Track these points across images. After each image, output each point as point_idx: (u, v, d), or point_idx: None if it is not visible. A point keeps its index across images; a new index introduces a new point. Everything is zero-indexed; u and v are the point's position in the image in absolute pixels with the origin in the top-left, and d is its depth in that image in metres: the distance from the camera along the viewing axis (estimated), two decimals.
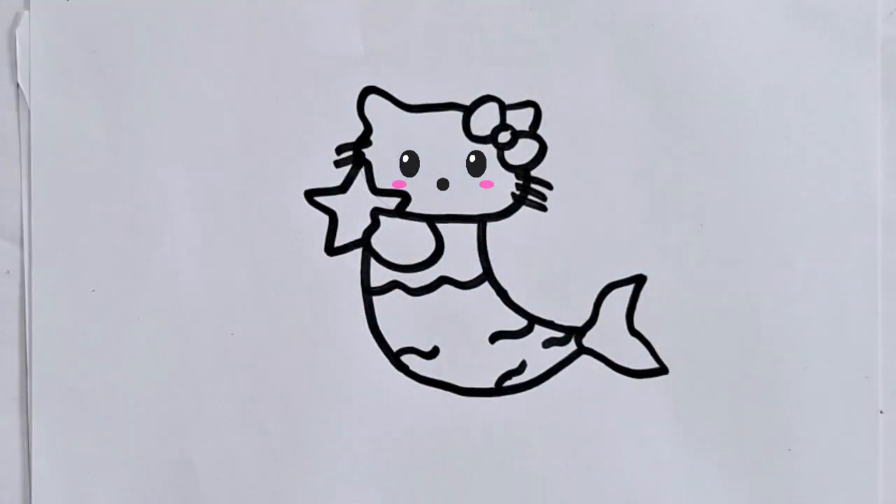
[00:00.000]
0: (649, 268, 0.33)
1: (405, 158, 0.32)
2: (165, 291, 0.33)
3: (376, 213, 0.33)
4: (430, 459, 0.33)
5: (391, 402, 0.33)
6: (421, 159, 0.32)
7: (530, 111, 0.32)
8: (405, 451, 0.33)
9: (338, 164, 0.32)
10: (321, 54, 0.32)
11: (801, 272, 0.32)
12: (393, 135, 0.32)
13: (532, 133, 0.32)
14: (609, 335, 0.33)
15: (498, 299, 0.33)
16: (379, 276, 0.33)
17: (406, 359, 0.33)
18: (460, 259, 0.33)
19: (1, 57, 0.32)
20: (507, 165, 0.32)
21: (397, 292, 0.33)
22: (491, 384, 0.33)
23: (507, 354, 0.33)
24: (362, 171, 0.32)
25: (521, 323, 0.33)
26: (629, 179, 0.32)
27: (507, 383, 0.33)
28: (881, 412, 0.32)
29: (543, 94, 0.32)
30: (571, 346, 0.33)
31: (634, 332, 0.32)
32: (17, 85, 0.32)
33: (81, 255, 0.32)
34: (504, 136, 0.32)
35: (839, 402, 0.32)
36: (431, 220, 0.33)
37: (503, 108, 0.32)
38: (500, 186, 0.33)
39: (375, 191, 0.32)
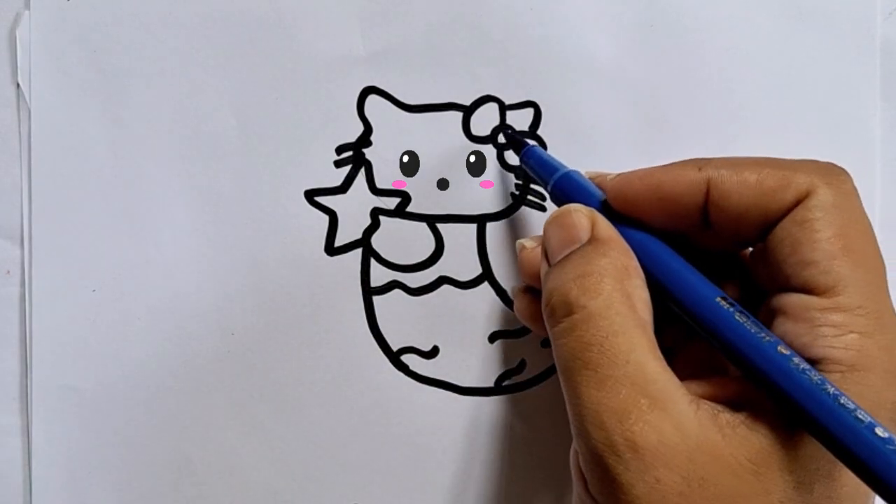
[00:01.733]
0: None
1: (405, 158, 0.32)
2: (165, 291, 0.33)
3: (376, 213, 0.33)
4: (430, 459, 0.33)
5: (391, 402, 0.33)
6: (421, 159, 0.32)
7: (530, 111, 0.32)
8: (405, 451, 0.33)
9: (338, 164, 0.32)
10: (321, 54, 0.32)
11: None
12: (393, 135, 0.32)
13: (532, 133, 0.32)
14: None
15: (497, 299, 0.33)
16: (379, 276, 0.33)
17: (406, 358, 0.33)
18: (460, 259, 0.33)
19: (1, 57, 0.32)
20: (506, 166, 0.33)
21: (397, 292, 0.33)
22: (490, 383, 0.33)
23: (507, 354, 0.33)
24: (362, 171, 0.32)
25: (521, 323, 0.33)
26: None
27: (507, 383, 0.33)
28: None
29: (543, 95, 0.32)
30: None
31: None
32: (17, 85, 0.32)
33: (81, 255, 0.32)
34: (503, 137, 0.32)
35: None
36: (431, 220, 0.33)
37: (503, 108, 0.32)
38: (499, 186, 0.33)
39: (375, 191, 0.32)
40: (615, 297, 0.23)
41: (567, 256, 0.25)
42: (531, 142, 0.32)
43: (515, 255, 0.32)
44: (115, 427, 0.33)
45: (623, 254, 0.24)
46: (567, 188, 0.28)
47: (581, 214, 0.25)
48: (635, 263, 0.24)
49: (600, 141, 0.32)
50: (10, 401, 0.33)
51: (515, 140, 0.31)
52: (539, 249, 0.27)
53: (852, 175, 0.32)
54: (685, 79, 0.32)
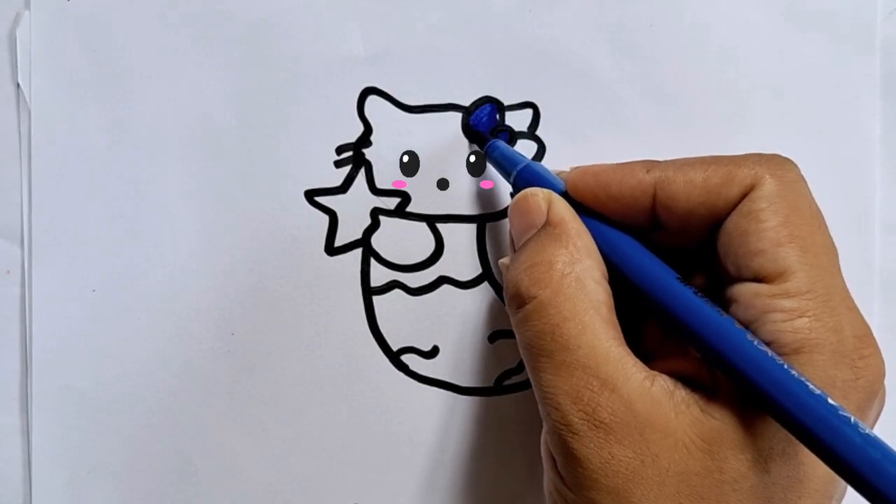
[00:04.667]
0: None
1: (405, 158, 0.32)
2: (165, 291, 0.33)
3: (376, 213, 0.33)
4: (430, 459, 0.33)
5: (391, 402, 0.33)
6: (421, 159, 0.32)
7: (529, 112, 0.32)
8: (405, 451, 0.33)
9: (338, 164, 0.32)
10: (321, 55, 0.32)
11: None
12: (393, 135, 0.32)
13: (531, 134, 0.32)
14: None
15: (497, 299, 0.33)
16: (379, 276, 0.33)
17: (406, 358, 0.33)
18: (460, 259, 0.33)
19: (1, 57, 0.32)
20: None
21: (397, 292, 0.33)
22: (490, 383, 0.33)
23: (507, 354, 0.33)
24: (362, 171, 0.32)
25: None
26: None
27: (507, 382, 0.33)
28: None
29: (542, 96, 0.32)
30: None
31: None
32: (18, 85, 0.32)
33: (81, 255, 0.32)
34: (503, 137, 0.32)
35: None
36: (431, 220, 0.33)
37: (502, 108, 0.32)
38: (499, 187, 0.33)
39: (375, 191, 0.32)
40: (564, 283, 0.24)
41: (523, 244, 0.26)
42: (531, 141, 0.32)
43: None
44: (115, 427, 0.33)
45: (575, 235, 0.25)
46: (529, 179, 0.28)
47: (537, 198, 0.26)
48: (587, 243, 0.25)
49: (599, 142, 0.32)
50: (10, 401, 0.33)
51: (480, 136, 0.32)
52: None
53: (852, 174, 0.33)
54: (684, 79, 0.32)
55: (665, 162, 0.25)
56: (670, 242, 0.26)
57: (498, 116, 0.32)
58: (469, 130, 0.32)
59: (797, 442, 0.21)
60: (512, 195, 0.32)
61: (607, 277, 0.25)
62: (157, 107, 0.32)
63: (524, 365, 0.33)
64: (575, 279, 0.24)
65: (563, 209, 0.26)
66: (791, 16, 0.32)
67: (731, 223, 0.24)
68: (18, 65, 0.32)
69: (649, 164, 0.25)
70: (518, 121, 0.32)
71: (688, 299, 0.23)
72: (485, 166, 0.32)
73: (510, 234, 0.27)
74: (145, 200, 0.32)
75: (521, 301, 0.24)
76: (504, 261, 0.29)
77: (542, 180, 0.27)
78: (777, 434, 0.22)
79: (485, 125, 0.32)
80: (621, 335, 0.24)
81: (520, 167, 0.29)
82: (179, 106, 0.32)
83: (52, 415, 0.33)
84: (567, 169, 0.28)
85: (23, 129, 0.32)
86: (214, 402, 0.33)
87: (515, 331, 0.25)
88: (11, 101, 0.32)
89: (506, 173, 0.30)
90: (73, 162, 0.32)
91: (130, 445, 0.33)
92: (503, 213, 0.33)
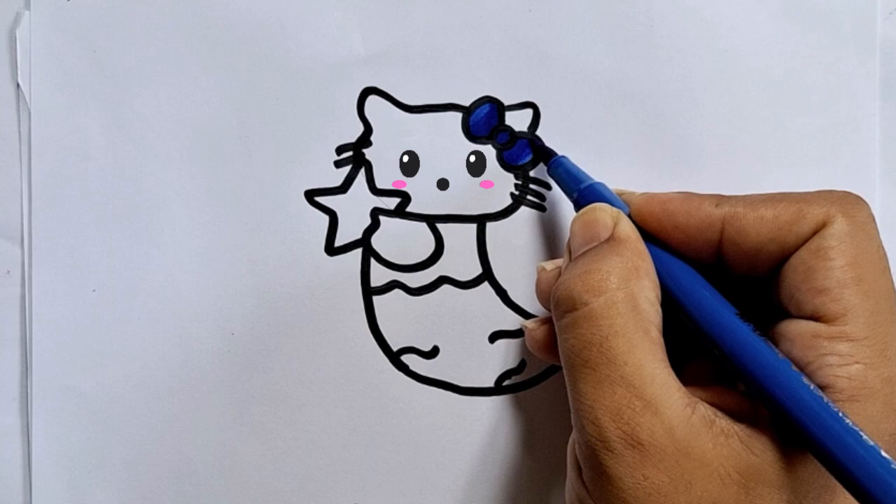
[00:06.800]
0: None
1: (405, 158, 0.32)
2: (165, 291, 0.33)
3: (376, 213, 0.33)
4: (429, 459, 0.33)
5: (391, 402, 0.33)
6: (421, 159, 0.32)
7: (529, 112, 0.32)
8: (405, 451, 0.33)
9: (338, 164, 0.32)
10: (321, 55, 0.32)
11: None
12: (393, 135, 0.32)
13: (531, 134, 0.32)
14: None
15: (497, 299, 0.33)
16: (379, 276, 0.33)
17: (406, 358, 0.33)
18: (460, 259, 0.33)
19: (1, 57, 0.32)
20: (506, 166, 0.33)
21: (397, 292, 0.33)
22: (490, 383, 0.33)
23: (507, 354, 0.33)
24: (362, 171, 0.32)
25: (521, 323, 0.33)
26: (627, 180, 0.32)
27: (507, 382, 0.33)
28: None
29: (542, 95, 0.32)
30: None
31: None
32: (18, 85, 0.32)
33: (81, 255, 0.32)
34: (503, 137, 0.32)
35: None
36: (431, 220, 0.33)
37: (502, 108, 0.32)
38: (499, 187, 0.33)
39: (375, 191, 0.32)
40: (618, 297, 0.23)
41: (582, 253, 0.25)
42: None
43: (515, 254, 0.32)
44: (115, 427, 0.33)
45: (636, 254, 0.25)
46: (592, 199, 0.28)
47: (605, 213, 0.26)
48: (647, 266, 0.25)
49: (599, 141, 0.32)
50: (10, 401, 0.33)
51: (545, 150, 0.32)
52: (557, 272, 0.28)
53: (851, 175, 0.33)
54: (684, 79, 0.32)
55: (734, 197, 0.25)
56: (724, 272, 0.26)
57: (498, 116, 0.32)
58: (534, 146, 0.32)
59: (834, 490, 0.20)
60: (512, 195, 0.32)
61: (660, 301, 0.25)
62: (157, 107, 0.32)
63: (524, 365, 0.33)
64: (630, 295, 0.23)
65: (629, 229, 0.25)
66: (791, 16, 0.32)
67: (798, 259, 0.24)
68: (18, 65, 0.32)
69: (718, 199, 0.25)
70: (518, 121, 0.32)
71: (747, 337, 0.23)
72: (485, 166, 0.32)
73: (567, 246, 0.27)
74: (145, 200, 0.32)
75: (570, 306, 0.24)
76: (544, 264, 0.29)
77: (606, 201, 0.27)
78: (815, 479, 0.22)
79: (485, 125, 0.32)
80: (667, 359, 0.23)
81: (584, 186, 0.28)
82: (179, 106, 0.32)
83: (52, 415, 0.33)
84: (630, 190, 0.28)
85: (23, 129, 0.32)
86: (214, 402, 0.33)
87: (559, 335, 0.25)
88: (11, 101, 0.32)
89: (569, 190, 0.29)
90: (73, 162, 0.32)
91: (130, 445, 0.33)
92: (503, 213, 0.33)
